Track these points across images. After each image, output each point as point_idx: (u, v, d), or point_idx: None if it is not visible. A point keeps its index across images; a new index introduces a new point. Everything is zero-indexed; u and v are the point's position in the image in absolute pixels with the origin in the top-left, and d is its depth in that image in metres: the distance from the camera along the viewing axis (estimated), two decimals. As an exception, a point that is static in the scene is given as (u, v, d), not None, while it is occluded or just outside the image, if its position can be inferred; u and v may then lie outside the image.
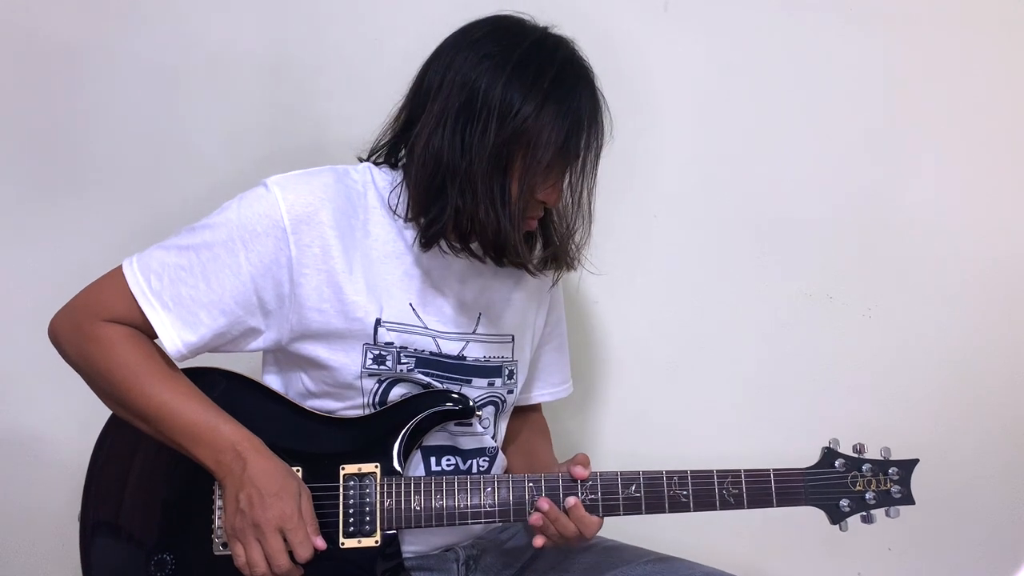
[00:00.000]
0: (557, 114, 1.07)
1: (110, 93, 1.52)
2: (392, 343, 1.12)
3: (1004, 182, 1.60)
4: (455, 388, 1.16)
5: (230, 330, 1.08)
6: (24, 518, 1.51)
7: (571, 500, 1.08)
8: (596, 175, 1.15)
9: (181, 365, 1.10)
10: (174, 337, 1.06)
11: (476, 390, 1.19)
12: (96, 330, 1.05)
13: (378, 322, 1.11)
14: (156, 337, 1.07)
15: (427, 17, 1.46)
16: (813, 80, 1.59)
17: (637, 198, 1.60)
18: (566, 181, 1.13)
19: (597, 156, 1.14)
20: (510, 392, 1.24)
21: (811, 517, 1.15)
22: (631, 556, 1.19)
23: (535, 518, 1.08)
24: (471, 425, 1.18)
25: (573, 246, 1.19)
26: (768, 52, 1.59)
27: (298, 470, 1.07)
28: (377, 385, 1.13)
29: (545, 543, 1.10)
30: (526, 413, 1.38)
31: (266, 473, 1.02)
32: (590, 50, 1.15)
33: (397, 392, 1.14)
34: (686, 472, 1.11)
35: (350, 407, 1.14)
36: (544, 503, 1.08)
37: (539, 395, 1.37)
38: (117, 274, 1.08)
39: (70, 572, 1.10)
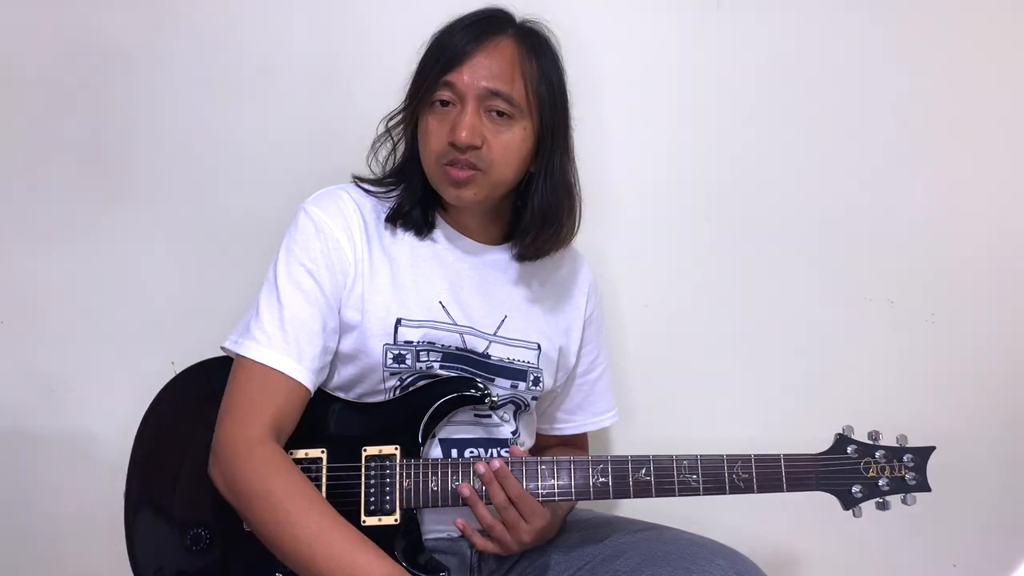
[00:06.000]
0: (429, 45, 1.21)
1: (161, 99, 1.56)
2: (412, 341, 1.17)
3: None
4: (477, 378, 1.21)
5: (328, 342, 1.16)
6: (78, 507, 1.57)
7: (496, 463, 1.11)
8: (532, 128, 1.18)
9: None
10: (305, 376, 1.11)
11: (499, 389, 1.23)
12: (249, 488, 1.05)
13: (399, 321, 1.17)
14: (291, 381, 1.11)
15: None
16: (874, 85, 1.61)
17: (685, 201, 1.64)
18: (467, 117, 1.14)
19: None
20: (534, 399, 1.28)
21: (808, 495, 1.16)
22: (621, 526, 1.24)
23: (463, 487, 1.12)
24: (490, 417, 1.22)
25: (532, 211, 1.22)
26: (822, 53, 1.62)
27: (323, 451, 1.14)
28: (399, 383, 1.18)
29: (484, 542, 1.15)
30: (570, 441, 1.42)
31: None
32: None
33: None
34: (696, 456, 1.13)
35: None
36: (480, 466, 1.12)
37: (582, 424, 1.39)
38: (244, 369, 1.11)
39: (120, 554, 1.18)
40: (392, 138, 1.26)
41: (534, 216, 1.22)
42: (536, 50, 1.19)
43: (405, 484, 1.13)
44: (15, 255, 1.56)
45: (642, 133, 1.62)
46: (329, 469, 1.13)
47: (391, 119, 1.25)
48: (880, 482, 1.14)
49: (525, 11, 1.23)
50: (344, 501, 1.11)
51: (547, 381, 1.27)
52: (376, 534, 1.07)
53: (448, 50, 1.16)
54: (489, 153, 1.16)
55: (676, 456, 1.13)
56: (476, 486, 1.12)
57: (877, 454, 1.14)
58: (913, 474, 1.14)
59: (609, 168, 1.58)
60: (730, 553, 1.11)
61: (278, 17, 1.57)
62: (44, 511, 1.58)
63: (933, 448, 1.16)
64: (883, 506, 1.15)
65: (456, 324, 1.21)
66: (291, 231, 1.19)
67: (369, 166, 1.29)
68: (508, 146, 1.17)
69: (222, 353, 1.17)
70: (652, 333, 1.63)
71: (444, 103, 1.16)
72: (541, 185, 1.21)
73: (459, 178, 1.16)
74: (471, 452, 1.20)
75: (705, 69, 1.61)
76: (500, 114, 1.16)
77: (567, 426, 1.39)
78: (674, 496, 1.12)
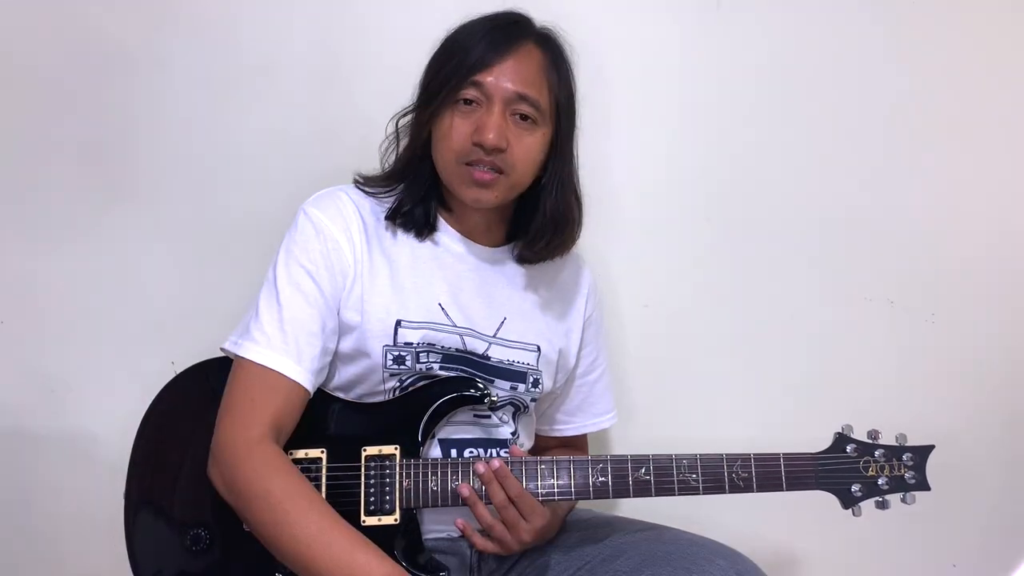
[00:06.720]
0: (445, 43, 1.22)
1: (161, 99, 1.56)
2: (412, 343, 1.17)
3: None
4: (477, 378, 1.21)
5: (327, 343, 1.16)
6: (78, 507, 1.57)
7: (496, 462, 1.12)
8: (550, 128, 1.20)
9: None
10: (305, 377, 1.11)
11: (498, 391, 1.23)
12: (248, 488, 1.05)
13: (399, 323, 1.17)
14: (290, 382, 1.11)
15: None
16: (874, 85, 1.61)
17: (685, 201, 1.64)
18: (494, 116, 1.15)
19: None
20: (533, 400, 1.28)
21: (808, 495, 1.16)
22: (621, 526, 1.24)
23: (463, 487, 1.12)
24: (489, 418, 1.23)
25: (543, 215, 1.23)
26: (822, 53, 1.62)
27: (323, 451, 1.14)
28: (398, 383, 1.18)
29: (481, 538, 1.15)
30: (570, 443, 1.42)
31: None
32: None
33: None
34: (695, 456, 1.13)
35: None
36: (480, 466, 1.12)
37: (581, 425, 1.40)
38: (244, 370, 1.11)
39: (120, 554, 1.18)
40: (399, 136, 1.26)
41: (546, 221, 1.23)
42: (558, 59, 1.21)
43: (405, 484, 1.13)
44: (15, 255, 1.56)
45: (642, 133, 1.63)
46: (329, 469, 1.13)
47: (403, 115, 1.25)
48: (879, 481, 1.14)
49: (529, 12, 1.23)
50: (344, 501, 1.11)
51: (546, 383, 1.28)
52: (376, 534, 1.07)
53: (476, 51, 1.16)
54: (512, 156, 1.16)
55: (676, 455, 1.13)
56: (476, 486, 1.13)
57: (876, 453, 1.14)
58: (912, 473, 1.14)
59: (609, 168, 1.59)
60: (730, 553, 1.11)
61: (278, 17, 1.57)
62: (44, 511, 1.58)
63: (932, 447, 1.16)
64: (883, 505, 1.15)
65: (456, 326, 1.21)
66: (291, 232, 1.19)
67: (384, 168, 1.29)
68: (529, 150, 1.18)
69: (222, 354, 1.17)
70: (652, 333, 1.64)
71: (468, 102, 1.16)
72: (554, 190, 1.22)
73: (484, 180, 1.17)
74: (470, 452, 1.20)
75: (705, 69, 1.62)
76: (524, 118, 1.17)
77: (567, 427, 1.39)
78: (674, 495, 1.12)
